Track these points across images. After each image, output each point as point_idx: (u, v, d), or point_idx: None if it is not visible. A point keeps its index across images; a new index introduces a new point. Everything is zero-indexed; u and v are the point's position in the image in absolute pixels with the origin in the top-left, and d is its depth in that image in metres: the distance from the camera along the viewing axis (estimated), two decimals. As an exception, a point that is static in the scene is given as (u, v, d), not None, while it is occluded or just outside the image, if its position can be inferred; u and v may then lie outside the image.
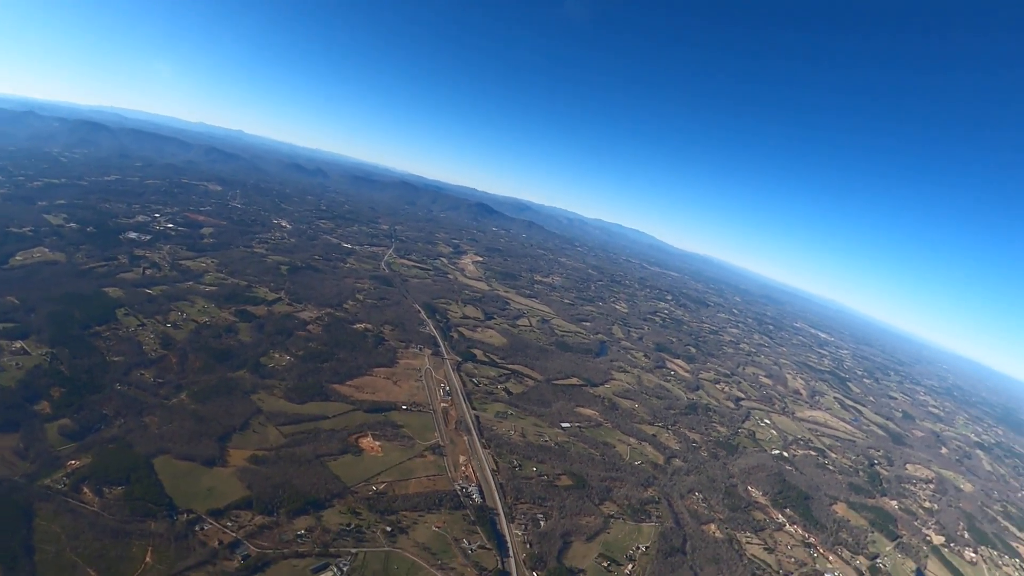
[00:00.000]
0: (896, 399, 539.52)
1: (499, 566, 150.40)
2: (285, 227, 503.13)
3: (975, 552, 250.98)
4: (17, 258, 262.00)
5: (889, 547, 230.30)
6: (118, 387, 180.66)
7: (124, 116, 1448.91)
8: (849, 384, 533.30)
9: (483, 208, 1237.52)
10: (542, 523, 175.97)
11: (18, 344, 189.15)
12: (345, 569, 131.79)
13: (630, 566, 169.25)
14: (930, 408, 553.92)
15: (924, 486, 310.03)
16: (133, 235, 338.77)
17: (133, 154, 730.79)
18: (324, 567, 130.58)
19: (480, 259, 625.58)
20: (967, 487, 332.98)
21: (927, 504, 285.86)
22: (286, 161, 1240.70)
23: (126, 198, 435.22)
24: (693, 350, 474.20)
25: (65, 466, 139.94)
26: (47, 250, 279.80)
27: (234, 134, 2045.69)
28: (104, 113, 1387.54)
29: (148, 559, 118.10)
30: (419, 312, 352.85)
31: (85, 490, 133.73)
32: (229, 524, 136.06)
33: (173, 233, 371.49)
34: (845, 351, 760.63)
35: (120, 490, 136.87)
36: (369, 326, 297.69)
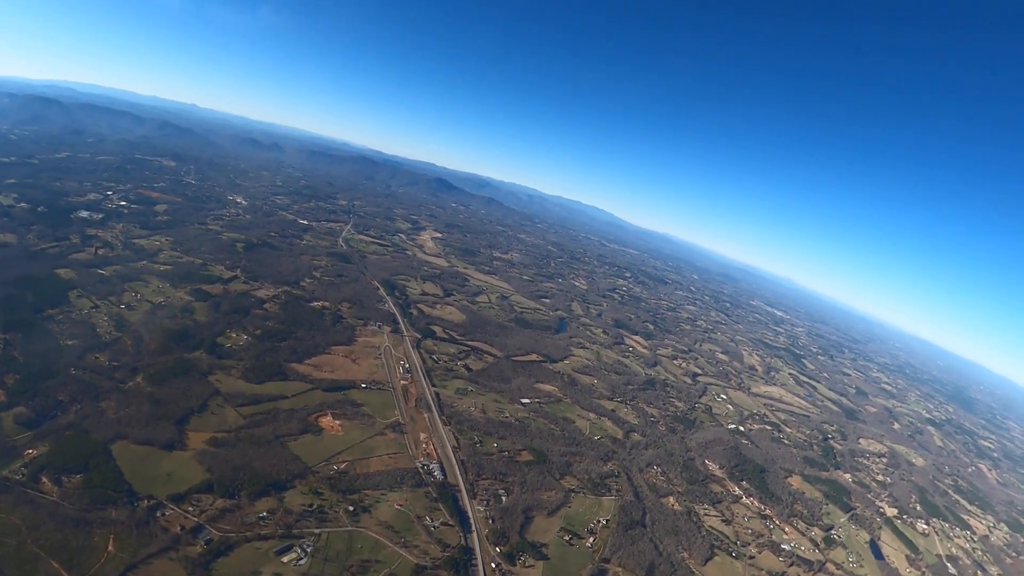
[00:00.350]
0: (850, 376, 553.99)
1: (462, 542, 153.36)
2: (240, 203, 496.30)
3: (927, 524, 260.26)
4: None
5: (843, 519, 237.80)
6: (73, 372, 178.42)
7: (77, 90, 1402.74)
8: (804, 361, 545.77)
9: (442, 184, 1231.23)
10: (504, 498, 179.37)
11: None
12: (309, 550, 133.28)
13: (591, 539, 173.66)
14: (883, 385, 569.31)
15: (877, 460, 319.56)
16: (85, 214, 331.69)
17: (85, 130, 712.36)
18: (287, 548, 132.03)
19: (439, 235, 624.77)
20: (919, 461, 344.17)
21: (880, 477, 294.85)
22: (241, 135, 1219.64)
23: (78, 176, 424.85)
24: (651, 327, 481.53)
25: (22, 456, 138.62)
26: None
27: (187, 107, 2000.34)
28: (56, 87, 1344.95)
29: (110, 548, 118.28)
30: (378, 289, 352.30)
31: (43, 479, 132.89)
32: (190, 509, 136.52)
33: (126, 211, 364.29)
34: (800, 329, 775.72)
35: (79, 478, 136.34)
36: (327, 304, 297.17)
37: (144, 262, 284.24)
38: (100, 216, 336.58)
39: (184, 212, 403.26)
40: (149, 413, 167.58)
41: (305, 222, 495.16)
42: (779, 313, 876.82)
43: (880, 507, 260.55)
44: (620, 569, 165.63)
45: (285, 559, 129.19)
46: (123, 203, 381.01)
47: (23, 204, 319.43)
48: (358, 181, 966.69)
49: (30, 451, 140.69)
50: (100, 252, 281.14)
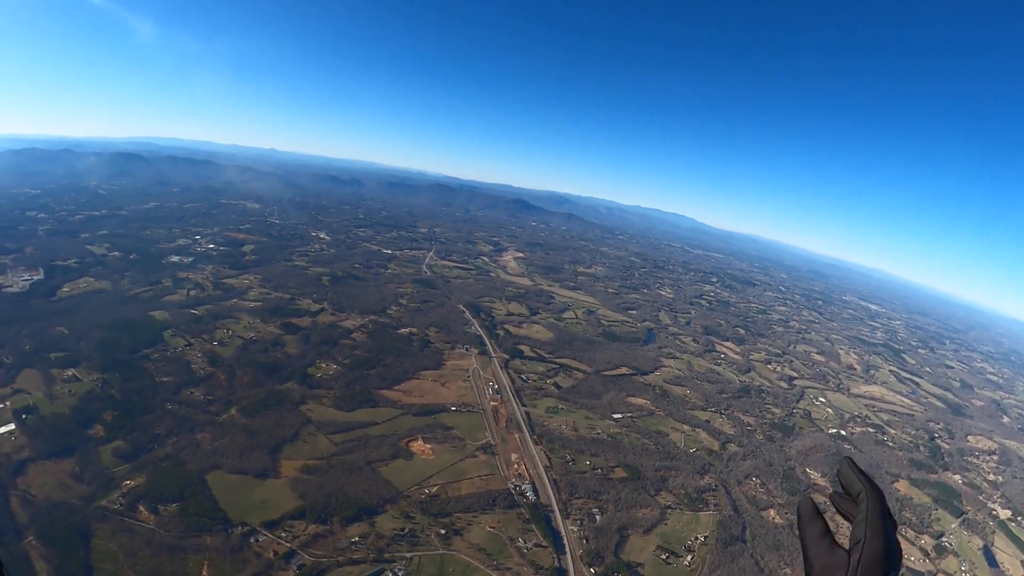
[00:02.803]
0: (953, 368, 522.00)
1: (556, 564, 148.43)
2: (324, 238, 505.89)
3: None
4: (64, 289, 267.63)
5: (954, 524, 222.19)
6: (169, 407, 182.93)
7: (158, 145, 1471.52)
8: (904, 356, 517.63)
9: (521, 204, 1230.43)
10: (598, 517, 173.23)
11: (70, 372, 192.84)
12: (400, 574, 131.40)
13: (689, 557, 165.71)
14: (988, 375, 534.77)
15: (987, 458, 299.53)
16: (175, 258, 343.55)
17: (170, 180, 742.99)
18: (379, 573, 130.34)
19: (521, 255, 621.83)
20: None
21: (991, 477, 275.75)
22: (320, 174, 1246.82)
23: (166, 223, 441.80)
24: (742, 331, 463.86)
25: (120, 486, 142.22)
26: (92, 279, 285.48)
27: (267, 152, 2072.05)
28: (139, 144, 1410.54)
29: (204, 573, 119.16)
30: (463, 312, 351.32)
31: (141, 508, 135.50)
32: (283, 535, 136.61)
33: (214, 253, 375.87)
34: (897, 322, 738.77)
35: (175, 507, 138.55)
36: (414, 329, 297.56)
37: (234, 300, 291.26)
38: (190, 259, 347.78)
39: (270, 251, 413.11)
40: (243, 444, 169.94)
41: (388, 252, 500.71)
42: (874, 307, 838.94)
43: (992, 509, 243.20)
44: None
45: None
46: (211, 246, 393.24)
47: (116, 252, 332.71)
48: (437, 208, 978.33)
49: (128, 482, 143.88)
50: (192, 293, 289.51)
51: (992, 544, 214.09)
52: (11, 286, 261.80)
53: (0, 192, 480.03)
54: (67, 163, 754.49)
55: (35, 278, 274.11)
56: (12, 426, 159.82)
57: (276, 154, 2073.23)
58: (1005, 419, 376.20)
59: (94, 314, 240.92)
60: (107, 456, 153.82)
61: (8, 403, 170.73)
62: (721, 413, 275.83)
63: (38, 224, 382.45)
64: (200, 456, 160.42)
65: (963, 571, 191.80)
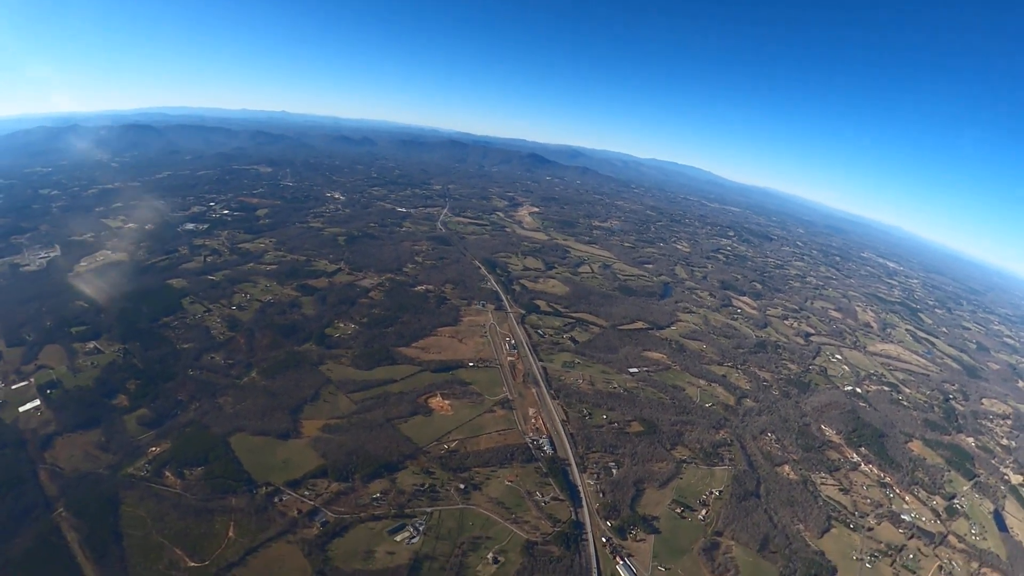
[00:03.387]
0: (970, 330, 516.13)
1: (573, 517, 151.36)
2: (338, 199, 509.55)
3: None
4: (82, 264, 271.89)
5: (966, 486, 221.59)
6: (190, 373, 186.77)
7: (168, 114, 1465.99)
8: (921, 315, 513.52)
9: (535, 158, 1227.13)
10: (614, 471, 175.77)
11: (91, 345, 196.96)
12: (421, 528, 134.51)
13: (704, 511, 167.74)
14: (1005, 339, 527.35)
15: (1001, 422, 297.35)
16: (190, 226, 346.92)
17: (182, 149, 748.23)
18: (400, 528, 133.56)
19: (536, 210, 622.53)
20: None
21: (1004, 441, 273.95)
22: (332, 134, 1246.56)
23: (180, 192, 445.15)
24: (759, 286, 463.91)
25: (146, 454, 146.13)
26: (109, 252, 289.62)
27: (277, 115, 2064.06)
28: (148, 114, 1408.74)
29: (231, 533, 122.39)
30: (479, 268, 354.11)
31: (167, 474, 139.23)
32: (307, 493, 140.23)
33: (229, 219, 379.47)
34: (915, 280, 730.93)
35: (200, 470, 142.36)
36: (430, 287, 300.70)
37: (251, 264, 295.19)
38: (205, 226, 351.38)
39: (285, 213, 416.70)
40: (264, 405, 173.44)
41: (403, 210, 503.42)
42: (892, 265, 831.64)
43: (1004, 474, 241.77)
44: (733, 543, 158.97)
45: (398, 538, 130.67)
46: (226, 212, 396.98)
47: (131, 224, 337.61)
48: (450, 165, 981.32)
49: (153, 448, 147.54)
50: (208, 259, 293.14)
51: (1003, 508, 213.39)
52: (28, 264, 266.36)
53: (12, 172, 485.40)
54: (78, 139, 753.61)
55: (52, 255, 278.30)
56: (37, 402, 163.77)
57: (287, 116, 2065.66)
58: (1021, 383, 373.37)
59: (112, 286, 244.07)
60: (132, 425, 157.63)
61: (32, 379, 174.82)
62: (737, 368, 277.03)
63: (52, 201, 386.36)
64: (223, 420, 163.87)
65: (973, 534, 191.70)
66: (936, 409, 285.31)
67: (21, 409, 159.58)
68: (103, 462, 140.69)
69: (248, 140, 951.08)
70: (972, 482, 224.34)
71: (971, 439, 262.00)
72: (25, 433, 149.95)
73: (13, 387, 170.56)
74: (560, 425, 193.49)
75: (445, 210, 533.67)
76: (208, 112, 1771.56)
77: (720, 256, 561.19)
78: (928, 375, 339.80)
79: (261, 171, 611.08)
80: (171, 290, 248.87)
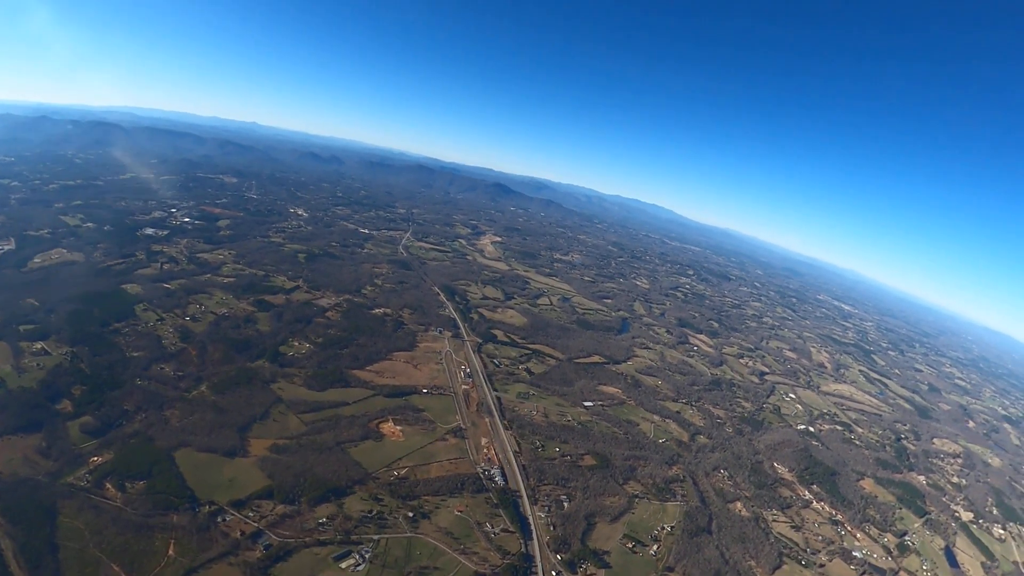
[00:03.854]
0: (922, 371, 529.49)
1: (522, 549, 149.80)
2: (302, 215, 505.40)
3: (1004, 528, 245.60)
4: (36, 260, 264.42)
5: (917, 524, 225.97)
6: (138, 382, 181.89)
7: (137, 115, 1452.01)
8: (874, 357, 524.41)
9: (500, 188, 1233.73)
10: (566, 504, 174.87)
11: (39, 345, 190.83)
12: (367, 556, 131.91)
13: (655, 547, 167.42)
14: (956, 380, 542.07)
15: (952, 461, 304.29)
16: (150, 231, 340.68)
17: (148, 152, 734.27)
18: (346, 554, 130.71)
19: (499, 239, 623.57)
20: (995, 462, 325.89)
21: (955, 479, 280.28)
22: (301, 150, 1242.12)
23: (142, 195, 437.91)
24: (716, 325, 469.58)
25: (88, 463, 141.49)
26: (65, 251, 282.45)
27: (247, 126, 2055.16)
28: (117, 113, 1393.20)
29: (171, 552, 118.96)
30: (438, 294, 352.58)
31: (108, 486, 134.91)
32: (251, 514, 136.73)
33: (190, 227, 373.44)
34: (869, 323, 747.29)
35: (142, 484, 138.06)
36: (388, 310, 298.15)
37: (208, 275, 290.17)
38: (165, 233, 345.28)
39: (246, 226, 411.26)
40: (212, 421, 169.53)
41: (366, 231, 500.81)
42: (847, 307, 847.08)
43: (955, 511, 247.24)
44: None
45: (343, 565, 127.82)
46: (187, 219, 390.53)
47: (89, 224, 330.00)
48: (416, 189, 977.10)
49: (95, 458, 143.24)
50: (165, 267, 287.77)
51: (954, 545, 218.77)
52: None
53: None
54: (44, 131, 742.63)
55: (6, 248, 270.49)
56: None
57: (257, 128, 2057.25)
58: (971, 424, 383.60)
59: (65, 286, 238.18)
60: (75, 432, 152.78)
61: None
62: (692, 405, 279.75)
63: (11, 192, 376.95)
64: (169, 433, 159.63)
65: (924, 570, 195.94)
66: (888, 448, 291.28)
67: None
68: (43, 468, 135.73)
69: (216, 148, 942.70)
70: (923, 519, 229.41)
71: (922, 477, 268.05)
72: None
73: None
74: (512, 456, 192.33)
75: (408, 234, 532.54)
76: (178, 116, 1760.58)
77: (679, 294, 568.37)
78: (880, 415, 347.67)
79: (226, 181, 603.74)
80: (125, 295, 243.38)
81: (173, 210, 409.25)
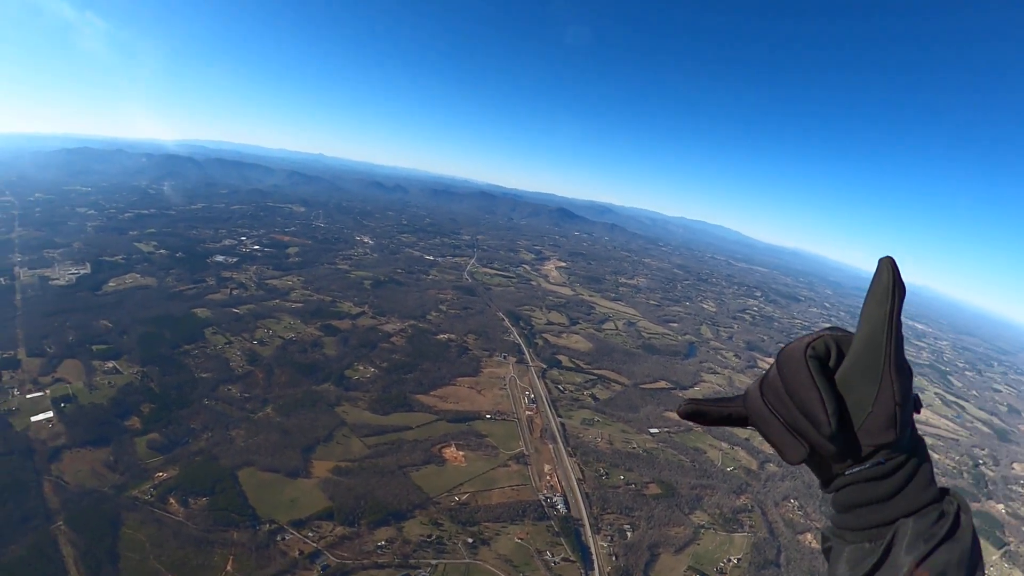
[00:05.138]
0: (1001, 392, 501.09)
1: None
2: (367, 243, 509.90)
3: None
4: (110, 284, 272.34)
5: (996, 555, 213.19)
6: (206, 402, 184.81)
7: (208, 148, 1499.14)
8: (950, 378, 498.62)
9: (564, 213, 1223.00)
10: (629, 534, 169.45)
11: (111, 364, 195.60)
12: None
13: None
14: None
15: None
16: (220, 258, 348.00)
17: (218, 182, 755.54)
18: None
19: (563, 264, 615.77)
20: None
21: None
22: (366, 180, 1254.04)
23: (213, 224, 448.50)
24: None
25: (153, 478, 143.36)
26: (138, 276, 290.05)
27: (314, 157, 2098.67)
28: (189, 146, 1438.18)
29: (229, 567, 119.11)
30: (503, 320, 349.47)
31: (171, 500, 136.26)
32: (310, 534, 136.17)
33: (259, 254, 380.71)
34: (944, 342, 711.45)
35: (205, 500, 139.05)
36: (452, 336, 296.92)
37: (276, 301, 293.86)
38: (234, 260, 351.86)
39: (314, 253, 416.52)
40: (276, 442, 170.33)
41: (430, 258, 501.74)
42: (920, 326, 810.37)
43: None
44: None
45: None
46: (256, 247, 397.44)
47: (162, 251, 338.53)
48: (480, 216, 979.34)
49: (160, 474, 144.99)
50: (235, 292, 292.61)
51: None
52: (58, 279, 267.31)
53: (52, 188, 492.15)
54: (119, 163, 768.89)
55: (82, 272, 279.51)
56: (51, 413, 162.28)
57: (323, 159, 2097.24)
58: None
59: (138, 309, 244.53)
60: (142, 447, 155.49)
61: (48, 391, 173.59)
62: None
63: (87, 220, 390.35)
64: (233, 452, 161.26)
65: None
66: (966, 475, 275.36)
67: (33, 419, 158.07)
68: (109, 481, 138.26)
69: (284, 179, 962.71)
70: (1002, 551, 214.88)
71: (1001, 506, 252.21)
72: (34, 443, 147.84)
73: (28, 396, 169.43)
74: (575, 484, 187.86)
75: (472, 260, 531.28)
76: (247, 148, 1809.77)
77: (747, 316, 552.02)
78: (958, 440, 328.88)
79: (294, 210, 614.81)
80: (195, 319, 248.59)
81: (243, 238, 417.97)
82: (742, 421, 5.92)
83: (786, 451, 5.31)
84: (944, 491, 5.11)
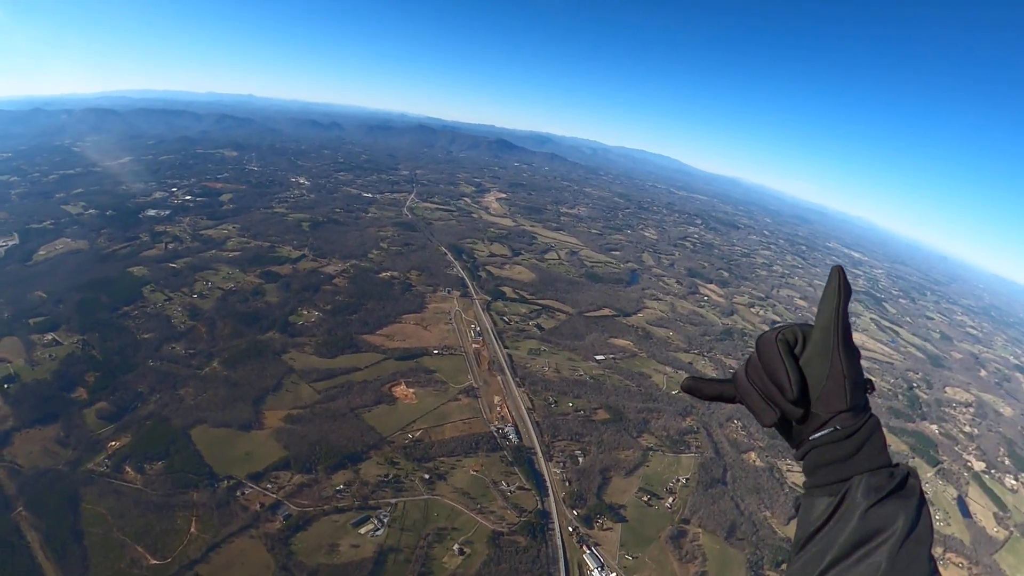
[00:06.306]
0: (933, 319, 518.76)
1: (539, 506, 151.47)
2: (304, 184, 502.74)
3: (1016, 479, 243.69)
4: (40, 253, 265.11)
5: (930, 473, 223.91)
6: (151, 364, 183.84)
7: (132, 98, 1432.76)
8: (885, 304, 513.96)
9: (503, 144, 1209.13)
10: (580, 460, 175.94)
11: (49, 336, 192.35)
12: (385, 520, 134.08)
13: (670, 499, 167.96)
14: (968, 329, 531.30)
15: (964, 410, 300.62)
16: (152, 212, 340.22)
17: (144, 133, 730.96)
18: (365, 520, 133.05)
19: (504, 195, 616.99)
20: (1007, 411, 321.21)
21: (967, 429, 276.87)
22: (299, 118, 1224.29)
23: (142, 177, 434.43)
24: (726, 274, 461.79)
25: (106, 448, 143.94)
26: (69, 240, 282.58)
27: (244, 99, 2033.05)
28: (111, 98, 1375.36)
29: (192, 529, 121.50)
30: (445, 254, 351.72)
31: (127, 469, 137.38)
32: (269, 486, 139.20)
33: (192, 204, 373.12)
34: (879, 271, 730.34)
35: (160, 465, 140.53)
36: (395, 273, 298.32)
37: (213, 251, 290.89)
38: (167, 212, 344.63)
39: (249, 199, 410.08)
40: (226, 396, 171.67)
41: (369, 195, 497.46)
42: (857, 255, 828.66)
43: (967, 461, 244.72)
44: (700, 530, 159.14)
45: (362, 530, 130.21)
46: (188, 197, 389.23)
47: (91, 211, 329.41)
48: (418, 150, 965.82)
49: (113, 443, 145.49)
50: (170, 247, 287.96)
51: (966, 495, 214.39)
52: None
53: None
54: (38, 123, 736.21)
55: (10, 243, 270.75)
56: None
57: (253, 100, 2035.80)
58: (983, 372, 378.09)
59: (72, 275, 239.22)
60: (91, 418, 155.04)
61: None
62: (704, 355, 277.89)
63: (10, 188, 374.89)
64: (184, 411, 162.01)
65: (937, 520, 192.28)
66: (900, 397, 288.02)
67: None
68: (62, 458, 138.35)
69: (213, 124, 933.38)
70: (936, 469, 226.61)
71: (935, 427, 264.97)
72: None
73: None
74: (526, 413, 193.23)
75: (412, 196, 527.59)
76: (173, 95, 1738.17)
77: (687, 243, 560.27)
78: (892, 363, 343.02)
79: (226, 155, 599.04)
80: (131, 278, 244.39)
81: (174, 189, 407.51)
82: (731, 398, 7.56)
83: (762, 416, 6.95)
84: (897, 463, 6.59)
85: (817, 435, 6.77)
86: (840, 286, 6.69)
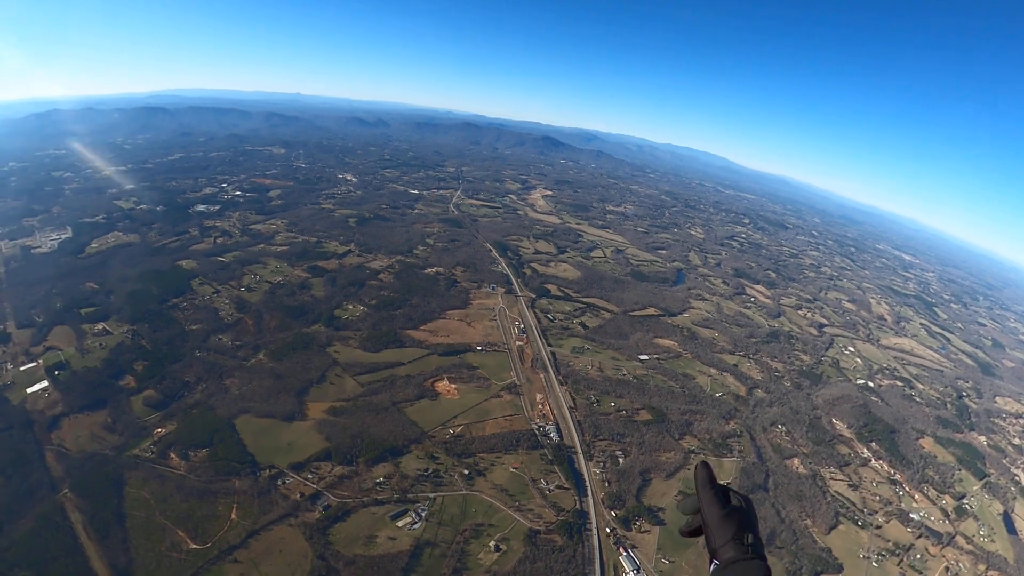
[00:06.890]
0: (985, 326, 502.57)
1: (577, 506, 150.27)
2: (351, 180, 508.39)
3: None
4: (93, 246, 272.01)
5: (976, 486, 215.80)
6: (198, 354, 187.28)
7: (182, 96, 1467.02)
8: (936, 309, 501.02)
9: (549, 141, 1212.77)
10: (621, 460, 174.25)
11: (100, 326, 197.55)
12: (423, 514, 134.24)
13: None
14: (1021, 336, 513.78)
15: (1014, 421, 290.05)
16: (202, 207, 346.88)
17: (195, 131, 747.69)
18: (403, 513, 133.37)
19: (550, 193, 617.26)
20: None
21: (1017, 440, 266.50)
22: (346, 116, 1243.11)
23: (192, 173, 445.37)
24: (773, 275, 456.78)
25: (152, 435, 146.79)
26: (121, 234, 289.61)
27: (292, 97, 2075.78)
28: (162, 97, 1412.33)
29: (233, 516, 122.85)
30: (490, 251, 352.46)
31: (172, 455, 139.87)
32: (310, 476, 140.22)
33: (241, 200, 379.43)
34: (930, 274, 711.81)
35: (204, 452, 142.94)
36: (440, 269, 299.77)
37: (261, 245, 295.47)
38: (216, 208, 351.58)
39: (296, 195, 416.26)
40: (271, 387, 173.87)
41: (415, 192, 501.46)
42: (907, 257, 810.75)
43: (1015, 474, 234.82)
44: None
45: (400, 523, 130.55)
46: (238, 193, 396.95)
47: (143, 206, 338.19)
48: (464, 147, 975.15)
49: (159, 430, 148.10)
50: (219, 241, 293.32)
51: (1012, 510, 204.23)
52: (39, 246, 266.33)
53: (25, 155, 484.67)
54: (91, 121, 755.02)
55: (63, 237, 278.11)
56: (45, 383, 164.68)
57: (301, 98, 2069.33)
58: None
59: (123, 267, 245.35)
60: (138, 406, 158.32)
61: (40, 361, 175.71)
62: (749, 358, 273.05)
63: (64, 184, 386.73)
64: (229, 401, 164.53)
65: (981, 535, 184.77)
66: (949, 406, 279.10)
67: (29, 390, 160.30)
68: (109, 443, 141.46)
69: (262, 122, 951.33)
70: (982, 482, 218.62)
71: (983, 438, 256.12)
72: (32, 414, 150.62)
73: (21, 368, 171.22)
74: (567, 412, 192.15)
75: (458, 192, 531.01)
76: (222, 94, 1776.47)
77: (734, 243, 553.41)
78: (942, 371, 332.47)
79: (274, 152, 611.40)
80: (181, 271, 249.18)
81: (224, 185, 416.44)
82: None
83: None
84: None
85: (711, 568, 9.28)
86: (705, 482, 10.05)
